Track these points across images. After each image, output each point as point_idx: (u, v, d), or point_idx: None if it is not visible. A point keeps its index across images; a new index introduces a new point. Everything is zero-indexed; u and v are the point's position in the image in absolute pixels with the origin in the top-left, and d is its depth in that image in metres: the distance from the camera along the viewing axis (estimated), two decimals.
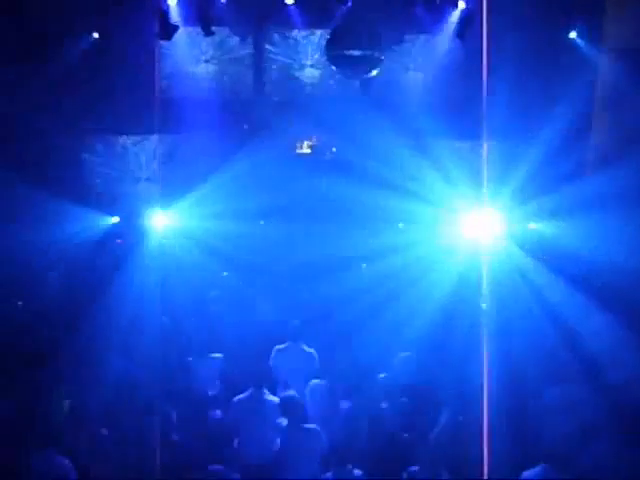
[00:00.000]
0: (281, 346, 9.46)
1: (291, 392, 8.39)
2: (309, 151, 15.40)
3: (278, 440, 8.06)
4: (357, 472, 7.35)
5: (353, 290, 11.18)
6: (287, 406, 8.02)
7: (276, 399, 8.39)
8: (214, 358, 9.41)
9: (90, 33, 13.74)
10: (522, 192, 14.54)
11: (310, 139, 15.41)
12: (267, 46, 15.08)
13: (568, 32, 13.66)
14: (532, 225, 14.04)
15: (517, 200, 14.37)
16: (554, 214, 13.72)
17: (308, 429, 7.96)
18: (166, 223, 14.04)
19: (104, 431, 7.94)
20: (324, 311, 10.75)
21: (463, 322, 10.44)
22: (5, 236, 11.97)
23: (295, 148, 15.45)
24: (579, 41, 13.70)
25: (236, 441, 8.28)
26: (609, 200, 13.10)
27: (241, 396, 8.34)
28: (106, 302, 11.22)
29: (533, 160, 14.54)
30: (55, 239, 12.48)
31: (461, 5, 12.78)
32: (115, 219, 14.25)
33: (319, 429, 8.01)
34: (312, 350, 9.51)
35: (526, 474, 7.37)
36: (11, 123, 12.72)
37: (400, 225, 12.31)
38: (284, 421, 8.08)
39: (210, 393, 8.97)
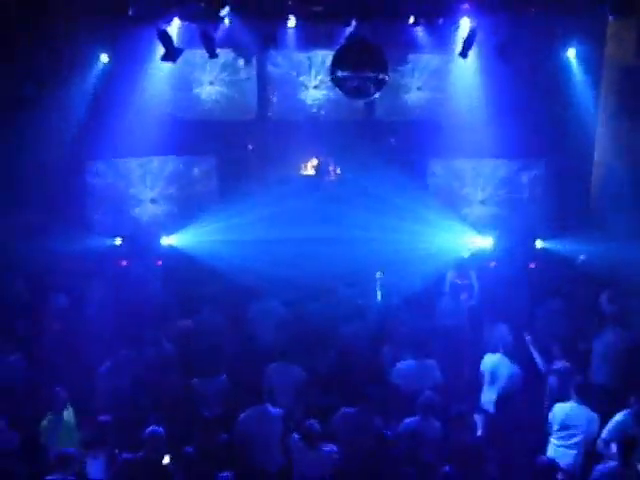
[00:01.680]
0: (273, 364, 9.50)
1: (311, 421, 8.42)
2: (313, 172, 15.43)
3: (286, 453, 8.19)
4: None
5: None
6: (306, 431, 8.11)
7: (279, 412, 8.50)
8: (218, 379, 9.40)
9: (98, 56, 13.79)
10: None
11: (314, 160, 15.44)
12: (271, 68, 15.18)
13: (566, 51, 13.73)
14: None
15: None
16: None
17: (324, 450, 8.08)
18: (171, 244, 14.05)
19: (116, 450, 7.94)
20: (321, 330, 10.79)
21: None
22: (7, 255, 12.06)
23: (299, 169, 15.50)
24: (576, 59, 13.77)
25: (246, 455, 8.33)
26: None
27: (246, 412, 8.42)
28: (108, 323, 11.27)
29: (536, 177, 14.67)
30: (57, 260, 12.49)
31: (465, 25, 12.83)
32: (118, 240, 14.25)
33: (336, 450, 8.10)
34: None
35: None
36: (13, 142, 12.80)
37: (378, 274, 12.42)
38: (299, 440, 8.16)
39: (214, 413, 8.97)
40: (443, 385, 9.60)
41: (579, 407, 8.64)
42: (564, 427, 8.64)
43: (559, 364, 9.74)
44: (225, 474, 7.48)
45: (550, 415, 8.82)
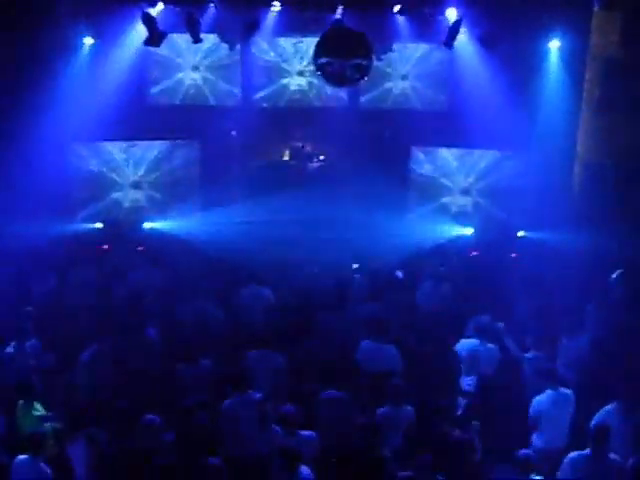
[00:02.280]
0: (255, 350, 9.47)
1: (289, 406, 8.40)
2: (296, 158, 15.42)
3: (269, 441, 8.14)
4: None
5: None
6: (285, 415, 8.09)
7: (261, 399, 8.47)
8: (203, 363, 9.37)
9: (81, 39, 13.69)
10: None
11: (298, 146, 15.43)
12: (255, 54, 15.14)
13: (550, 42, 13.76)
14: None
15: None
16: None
17: (304, 436, 8.05)
18: (152, 229, 14.00)
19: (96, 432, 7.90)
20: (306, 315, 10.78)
21: None
22: None
23: (282, 155, 15.49)
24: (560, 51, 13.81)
25: (228, 443, 8.32)
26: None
27: (230, 400, 8.39)
28: (93, 308, 11.21)
29: (519, 168, 14.71)
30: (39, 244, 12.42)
31: (450, 15, 12.83)
32: (99, 225, 14.19)
33: (315, 436, 8.08)
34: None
35: None
36: None
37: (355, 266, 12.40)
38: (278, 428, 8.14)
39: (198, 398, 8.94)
40: (418, 371, 9.62)
41: (556, 394, 8.68)
42: (547, 418, 8.69)
43: (531, 354, 9.77)
44: (214, 460, 7.41)
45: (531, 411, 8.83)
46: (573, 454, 7.74)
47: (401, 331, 10.25)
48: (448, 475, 7.42)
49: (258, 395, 8.41)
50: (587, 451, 7.66)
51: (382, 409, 8.52)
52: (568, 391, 8.80)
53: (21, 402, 8.47)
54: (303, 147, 15.42)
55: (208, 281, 11.42)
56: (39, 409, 8.42)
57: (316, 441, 8.09)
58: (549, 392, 8.73)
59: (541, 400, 8.74)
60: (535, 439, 8.79)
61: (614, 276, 11.63)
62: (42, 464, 7.41)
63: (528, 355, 9.79)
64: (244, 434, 8.26)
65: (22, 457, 7.42)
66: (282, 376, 9.27)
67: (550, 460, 8.20)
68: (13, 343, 9.60)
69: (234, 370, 8.84)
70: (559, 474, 7.73)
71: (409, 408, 8.57)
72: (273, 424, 8.19)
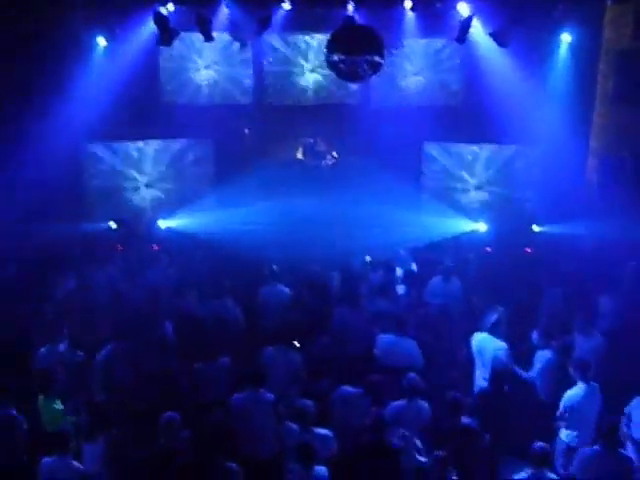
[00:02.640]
0: (271, 347, 9.46)
1: (304, 400, 8.39)
2: (310, 156, 15.43)
3: (281, 438, 8.11)
4: None
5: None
6: (300, 411, 8.06)
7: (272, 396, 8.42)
8: (220, 362, 9.38)
9: (95, 39, 13.77)
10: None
11: (311, 143, 15.44)
12: (267, 51, 15.16)
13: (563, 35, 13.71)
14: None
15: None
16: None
17: (320, 434, 8.01)
18: (167, 227, 14.05)
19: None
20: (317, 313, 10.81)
21: None
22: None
23: (296, 153, 15.50)
24: (573, 44, 13.75)
25: (239, 439, 8.31)
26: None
27: (239, 394, 8.38)
28: (108, 306, 11.25)
29: (532, 162, 14.67)
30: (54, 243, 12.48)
31: (462, 9, 12.79)
32: (113, 224, 14.25)
33: (331, 434, 8.04)
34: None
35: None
36: (12, 124, 12.77)
37: (367, 258, 12.29)
38: (293, 425, 8.10)
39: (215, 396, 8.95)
40: (434, 366, 9.61)
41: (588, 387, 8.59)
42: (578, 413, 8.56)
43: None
44: (232, 465, 7.37)
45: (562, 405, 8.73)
46: (585, 450, 7.69)
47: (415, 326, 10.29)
48: (460, 467, 7.41)
49: (269, 394, 8.40)
50: (597, 447, 7.60)
51: (396, 403, 8.50)
52: (596, 385, 8.59)
53: (42, 397, 8.51)
54: (316, 144, 15.41)
55: (225, 279, 11.44)
56: (59, 404, 8.46)
57: (332, 439, 8.04)
58: (581, 385, 8.51)
59: (574, 394, 8.50)
60: (565, 435, 8.62)
61: (629, 268, 11.57)
62: (73, 462, 7.44)
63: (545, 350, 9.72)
64: (255, 431, 8.25)
65: (50, 459, 7.42)
66: (299, 373, 9.28)
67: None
68: (47, 345, 9.63)
69: (248, 367, 8.85)
70: (572, 469, 7.69)
71: (424, 403, 8.55)
72: (288, 421, 8.19)
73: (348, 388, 8.66)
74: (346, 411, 8.56)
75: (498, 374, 9.55)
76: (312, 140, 15.41)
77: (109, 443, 7.79)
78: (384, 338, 9.78)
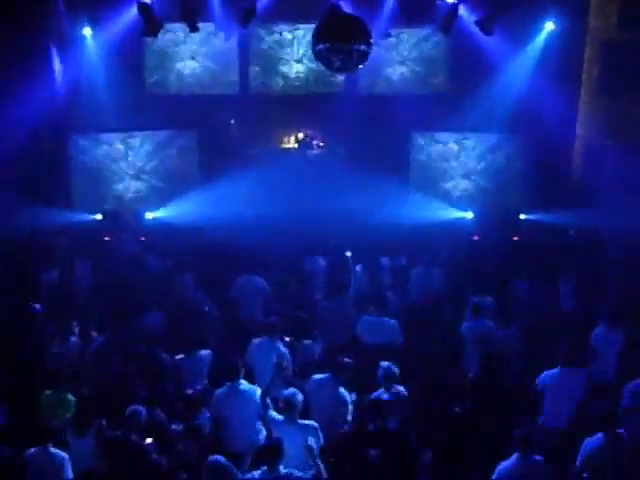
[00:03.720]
0: (257, 339, 9.45)
1: (291, 389, 8.37)
2: (296, 145, 15.43)
3: (264, 431, 8.07)
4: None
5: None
6: (287, 402, 8.02)
7: (255, 388, 8.39)
8: (200, 354, 9.38)
9: (80, 29, 13.67)
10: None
11: (297, 133, 15.42)
12: (253, 41, 15.11)
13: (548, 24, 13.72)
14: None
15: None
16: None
17: (305, 425, 7.98)
18: (155, 218, 14.01)
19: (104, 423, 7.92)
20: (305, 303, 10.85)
21: None
22: None
23: (282, 143, 15.47)
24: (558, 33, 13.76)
25: (221, 433, 8.30)
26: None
27: (220, 389, 8.38)
28: (98, 297, 11.24)
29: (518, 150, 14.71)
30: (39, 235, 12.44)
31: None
32: (99, 216, 14.19)
33: (316, 425, 8.02)
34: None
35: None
36: None
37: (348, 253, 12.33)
38: (279, 416, 8.07)
39: (197, 388, 8.95)
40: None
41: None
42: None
43: None
44: (215, 457, 7.35)
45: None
46: (590, 440, 7.63)
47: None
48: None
49: (250, 386, 8.37)
50: (601, 436, 7.56)
51: (376, 392, 8.48)
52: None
53: (48, 392, 8.46)
54: (303, 134, 15.39)
55: (206, 270, 11.47)
56: (70, 397, 8.41)
57: (318, 430, 8.01)
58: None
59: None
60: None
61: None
62: (52, 450, 7.41)
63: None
64: (237, 425, 8.24)
65: (32, 450, 7.40)
66: (285, 364, 9.26)
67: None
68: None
69: (228, 360, 8.84)
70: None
71: (402, 389, 8.53)
72: (274, 412, 8.17)
73: (318, 375, 8.69)
74: (319, 397, 8.59)
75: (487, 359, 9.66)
76: (298, 130, 15.39)
77: (97, 437, 7.78)
78: (366, 319, 10.06)
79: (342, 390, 8.47)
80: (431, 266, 11.78)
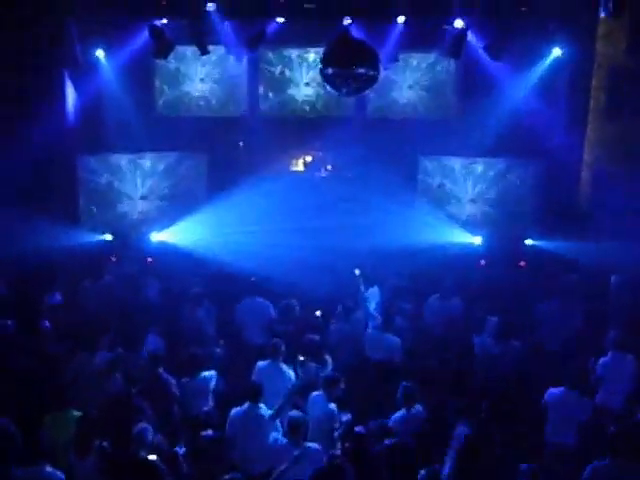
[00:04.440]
0: (262, 362, 9.46)
1: (295, 412, 8.38)
2: (304, 169, 15.48)
3: (275, 454, 8.06)
4: None
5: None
6: (291, 425, 8.03)
7: (268, 412, 8.41)
8: (202, 376, 9.38)
9: (90, 51, 13.80)
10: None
11: (306, 157, 15.47)
12: (262, 65, 15.20)
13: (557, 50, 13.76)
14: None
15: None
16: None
17: (310, 448, 7.96)
18: (161, 240, 14.02)
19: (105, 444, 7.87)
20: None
21: None
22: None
23: (290, 166, 15.52)
24: (567, 58, 13.80)
25: (234, 454, 8.30)
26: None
27: (238, 409, 8.38)
28: (102, 317, 11.23)
29: (526, 176, 14.71)
30: (48, 255, 12.48)
31: (455, 25, 12.86)
32: (108, 236, 14.24)
33: (320, 448, 8.00)
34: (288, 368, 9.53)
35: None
36: (5, 135, 12.76)
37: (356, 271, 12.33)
38: (284, 439, 8.07)
39: (204, 410, 8.92)
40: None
41: None
42: None
43: None
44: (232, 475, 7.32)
45: None
46: (595, 464, 7.56)
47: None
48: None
49: (265, 410, 8.39)
50: (607, 461, 7.48)
51: (397, 413, 8.58)
52: None
53: (53, 414, 8.44)
54: (313, 157, 15.45)
55: (211, 292, 11.55)
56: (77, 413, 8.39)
57: (322, 453, 8.00)
58: None
59: None
60: None
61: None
62: (48, 469, 7.37)
63: None
64: (250, 446, 8.24)
65: (29, 469, 7.35)
66: (291, 387, 9.27)
67: None
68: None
69: (246, 382, 8.88)
70: None
71: (420, 408, 8.62)
72: (280, 436, 8.17)
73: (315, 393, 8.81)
74: (313, 414, 8.62)
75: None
76: (306, 153, 15.44)
77: (99, 458, 7.74)
78: (371, 334, 10.47)
79: (332, 406, 8.53)
80: (450, 296, 11.78)
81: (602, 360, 9.63)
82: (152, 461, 7.43)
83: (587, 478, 7.39)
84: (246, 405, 8.41)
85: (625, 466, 7.34)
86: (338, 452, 7.74)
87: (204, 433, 8.07)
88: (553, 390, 8.93)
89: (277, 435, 8.21)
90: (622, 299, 11.34)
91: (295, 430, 7.93)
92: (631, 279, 11.62)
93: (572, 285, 11.88)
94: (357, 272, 11.78)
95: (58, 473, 7.34)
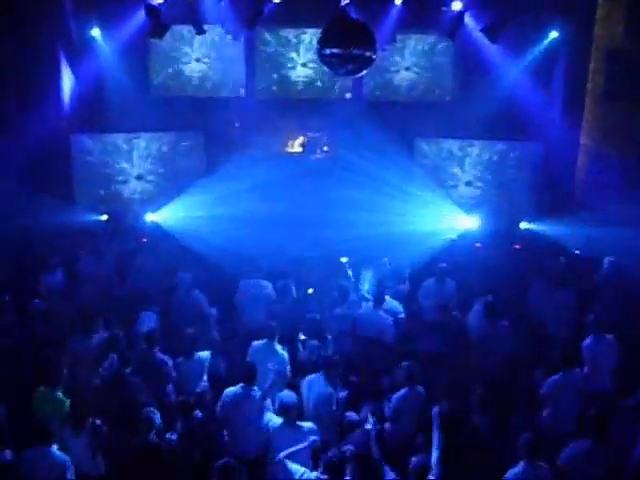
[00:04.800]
0: (257, 342, 9.49)
1: (286, 392, 8.43)
2: (300, 150, 15.43)
3: (267, 436, 8.08)
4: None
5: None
6: (283, 405, 8.06)
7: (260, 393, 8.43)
8: (202, 356, 9.39)
9: (87, 30, 13.70)
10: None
11: (302, 138, 15.42)
12: (259, 45, 15.13)
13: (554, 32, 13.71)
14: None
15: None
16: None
17: (303, 427, 7.99)
18: (156, 221, 14.00)
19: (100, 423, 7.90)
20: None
21: None
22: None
23: (286, 146, 15.48)
24: (564, 41, 13.75)
25: (225, 435, 8.32)
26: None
27: (231, 389, 8.39)
28: (99, 298, 11.25)
29: (523, 158, 14.69)
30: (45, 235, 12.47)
31: (454, 5, 12.80)
32: (105, 217, 14.21)
33: (316, 427, 8.03)
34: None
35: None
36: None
37: (344, 259, 12.36)
38: (278, 420, 8.09)
39: (196, 391, 8.95)
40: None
41: None
42: None
43: None
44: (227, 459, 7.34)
45: None
46: (573, 444, 7.67)
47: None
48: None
49: (258, 391, 8.41)
50: (587, 441, 7.60)
51: (400, 392, 8.69)
52: None
53: (41, 388, 8.46)
54: (311, 138, 15.41)
55: (207, 272, 11.52)
56: (60, 395, 8.41)
57: (317, 432, 8.03)
58: None
59: None
60: None
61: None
62: (55, 452, 7.41)
63: None
64: (243, 428, 8.27)
65: (31, 450, 7.39)
66: (284, 368, 9.31)
67: None
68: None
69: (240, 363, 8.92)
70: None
71: (421, 389, 8.74)
72: (274, 415, 8.21)
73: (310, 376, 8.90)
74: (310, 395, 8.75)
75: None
76: (303, 134, 15.40)
77: (93, 436, 7.78)
78: (362, 313, 10.64)
79: (329, 387, 8.63)
80: (444, 277, 11.80)
81: (584, 343, 9.71)
82: (159, 444, 7.51)
83: (566, 457, 7.51)
84: (239, 386, 8.42)
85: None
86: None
87: (195, 414, 8.13)
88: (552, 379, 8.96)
89: (271, 416, 8.23)
90: (611, 280, 11.34)
91: (287, 411, 7.97)
92: (622, 261, 11.61)
93: (560, 269, 11.89)
94: (344, 260, 11.86)
95: (64, 455, 7.40)
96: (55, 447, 7.45)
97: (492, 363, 9.81)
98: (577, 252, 12.90)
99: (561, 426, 8.76)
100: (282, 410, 8.04)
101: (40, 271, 11.71)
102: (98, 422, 7.80)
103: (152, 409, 7.93)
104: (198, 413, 8.17)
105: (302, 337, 10.05)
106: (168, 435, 8.01)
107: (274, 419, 8.15)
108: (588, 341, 9.69)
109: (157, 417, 7.88)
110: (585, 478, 7.44)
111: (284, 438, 7.77)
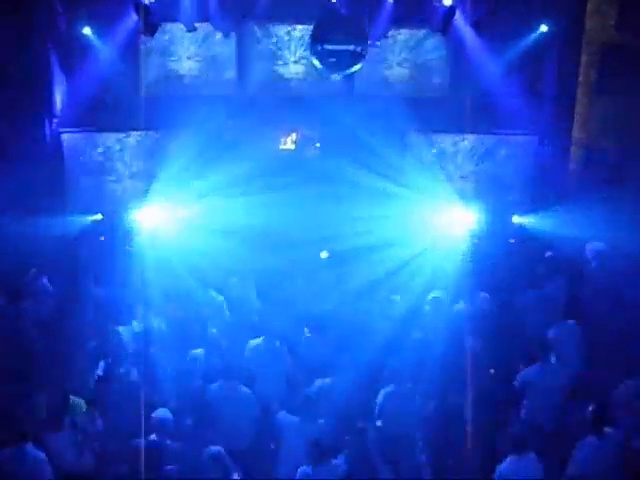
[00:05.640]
0: (255, 341, 9.47)
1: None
2: (293, 147, 15.40)
3: (253, 430, 8.15)
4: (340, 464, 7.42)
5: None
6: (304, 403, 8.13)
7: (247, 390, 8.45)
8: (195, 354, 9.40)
9: (78, 28, 13.65)
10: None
11: (294, 134, 15.38)
12: (250, 42, 15.08)
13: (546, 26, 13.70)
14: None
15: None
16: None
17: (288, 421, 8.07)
18: (150, 219, 13.95)
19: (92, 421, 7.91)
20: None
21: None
22: None
23: (278, 144, 15.43)
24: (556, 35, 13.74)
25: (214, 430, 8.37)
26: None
27: (216, 385, 8.43)
28: (89, 300, 11.22)
29: (515, 153, 14.70)
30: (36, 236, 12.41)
31: (447, 1, 12.78)
32: (98, 216, 14.17)
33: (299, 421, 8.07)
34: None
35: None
36: None
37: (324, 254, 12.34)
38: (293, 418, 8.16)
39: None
40: None
41: None
42: None
43: None
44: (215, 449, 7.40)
45: None
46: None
47: None
48: None
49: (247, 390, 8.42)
50: (592, 437, 7.62)
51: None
52: None
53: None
54: (303, 134, 15.37)
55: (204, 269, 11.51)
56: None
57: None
58: None
59: None
60: None
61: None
62: (30, 449, 7.38)
63: None
64: (227, 421, 8.29)
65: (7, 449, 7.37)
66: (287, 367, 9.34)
67: None
68: None
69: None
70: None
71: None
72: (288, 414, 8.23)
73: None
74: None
75: None
76: (295, 131, 15.36)
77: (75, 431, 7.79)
78: None
79: None
80: None
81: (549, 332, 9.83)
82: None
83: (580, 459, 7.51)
84: (223, 382, 8.44)
85: None
86: None
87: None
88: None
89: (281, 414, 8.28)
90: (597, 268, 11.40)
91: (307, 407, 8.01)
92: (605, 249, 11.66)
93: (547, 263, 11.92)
94: (324, 255, 11.89)
95: (40, 453, 7.38)
96: (30, 445, 7.42)
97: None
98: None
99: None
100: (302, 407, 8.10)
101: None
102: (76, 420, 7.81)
103: (165, 410, 7.93)
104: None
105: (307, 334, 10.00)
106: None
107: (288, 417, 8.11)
108: (553, 330, 9.82)
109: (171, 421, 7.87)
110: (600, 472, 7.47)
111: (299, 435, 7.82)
